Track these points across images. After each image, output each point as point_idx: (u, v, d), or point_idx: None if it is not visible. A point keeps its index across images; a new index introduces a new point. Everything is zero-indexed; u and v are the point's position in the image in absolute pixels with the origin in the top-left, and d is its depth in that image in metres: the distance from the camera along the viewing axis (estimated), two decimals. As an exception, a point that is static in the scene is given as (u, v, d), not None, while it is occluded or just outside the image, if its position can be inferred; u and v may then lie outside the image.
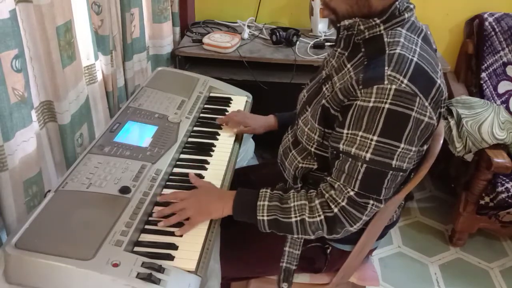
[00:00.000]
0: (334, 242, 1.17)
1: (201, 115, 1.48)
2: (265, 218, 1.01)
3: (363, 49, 0.99)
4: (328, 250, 1.18)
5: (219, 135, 1.39)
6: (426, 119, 0.91)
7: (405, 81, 0.88)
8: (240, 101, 1.59)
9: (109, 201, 1.01)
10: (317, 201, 0.98)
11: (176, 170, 1.21)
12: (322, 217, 0.97)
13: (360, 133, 0.92)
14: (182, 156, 1.27)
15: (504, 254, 2.03)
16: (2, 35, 0.95)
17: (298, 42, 2.03)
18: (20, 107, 1.03)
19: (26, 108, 1.04)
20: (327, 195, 0.98)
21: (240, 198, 1.05)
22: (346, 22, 0.99)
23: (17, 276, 0.88)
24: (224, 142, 1.36)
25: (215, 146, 1.33)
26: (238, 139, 1.41)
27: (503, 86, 2.12)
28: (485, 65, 2.13)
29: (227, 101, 1.58)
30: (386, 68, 0.90)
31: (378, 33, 0.97)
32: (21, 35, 1.06)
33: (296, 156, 1.13)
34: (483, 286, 1.86)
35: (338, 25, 1.02)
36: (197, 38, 2.02)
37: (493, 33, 2.11)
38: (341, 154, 0.96)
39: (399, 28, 0.97)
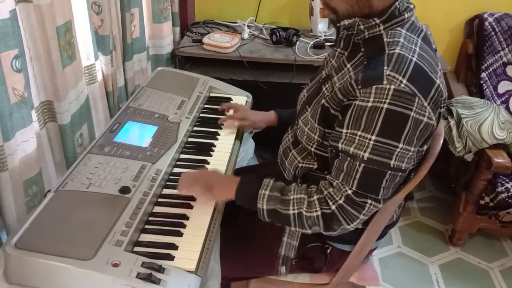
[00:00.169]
0: (334, 242, 1.17)
1: (201, 115, 1.48)
2: (265, 207, 1.02)
3: (362, 49, 0.99)
4: (328, 250, 1.18)
5: (219, 135, 1.39)
6: (425, 119, 0.91)
7: (404, 81, 0.88)
8: (240, 101, 1.59)
9: (109, 201, 1.01)
10: (315, 197, 0.99)
11: (176, 170, 1.21)
12: (319, 212, 0.98)
13: (359, 133, 0.92)
14: (182, 156, 1.27)
15: (504, 254, 2.03)
16: (2, 35, 0.95)
17: (298, 42, 2.03)
18: (20, 107, 1.03)
19: (26, 108, 1.05)
20: (325, 192, 0.98)
21: (244, 184, 1.06)
22: (346, 22, 0.99)
23: (17, 276, 0.88)
24: (224, 142, 1.36)
25: (215, 146, 1.33)
26: (239, 136, 1.42)
27: (503, 86, 2.12)
28: (485, 65, 2.13)
29: (227, 101, 1.58)
30: (385, 68, 0.90)
31: (377, 33, 0.97)
32: (21, 35, 1.06)
33: (296, 156, 1.13)
34: (483, 286, 1.86)
35: (338, 25, 1.02)
36: (197, 38, 2.02)
37: (493, 33, 2.11)
38: (340, 153, 0.97)
39: (398, 28, 0.97)
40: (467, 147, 1.81)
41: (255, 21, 2.24)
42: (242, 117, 1.43)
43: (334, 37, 1.99)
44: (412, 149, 0.93)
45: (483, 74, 2.13)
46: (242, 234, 1.26)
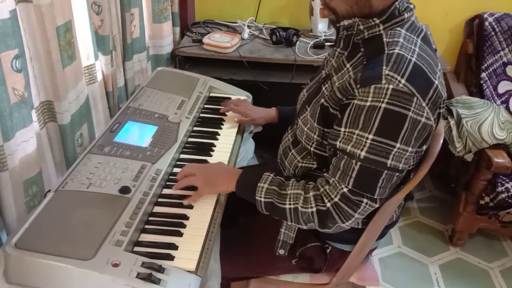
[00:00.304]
0: (334, 242, 1.17)
1: (201, 115, 1.48)
2: (262, 199, 1.04)
3: (362, 49, 0.99)
4: (328, 250, 1.18)
5: (219, 135, 1.39)
6: (423, 119, 0.91)
7: (403, 81, 0.88)
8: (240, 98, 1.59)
9: (109, 201, 1.01)
10: (311, 193, 1.00)
11: (176, 170, 1.21)
12: (314, 209, 0.98)
13: (357, 132, 0.93)
14: (182, 156, 1.27)
15: (504, 254, 2.03)
16: (3, 35, 0.95)
17: (298, 42, 2.03)
18: (20, 107, 1.03)
19: (26, 108, 1.04)
20: (322, 189, 0.99)
21: (244, 176, 1.10)
22: (346, 22, 0.99)
23: (17, 276, 0.88)
24: (224, 142, 1.36)
25: (215, 146, 1.33)
26: (239, 135, 1.42)
27: (503, 86, 2.12)
28: (485, 65, 2.13)
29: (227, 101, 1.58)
30: (384, 67, 0.90)
31: (377, 33, 0.97)
32: (21, 35, 1.06)
33: (295, 156, 1.14)
34: (483, 286, 1.86)
35: (338, 25, 1.02)
36: (197, 38, 2.02)
37: (493, 33, 2.11)
38: (338, 152, 0.97)
39: (398, 28, 0.97)
40: (467, 147, 1.81)
41: (255, 21, 2.24)
42: (243, 112, 1.43)
43: (334, 37, 1.99)
44: (410, 149, 0.93)
45: (483, 74, 2.13)
46: (242, 234, 1.26)
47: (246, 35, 2.08)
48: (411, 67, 0.90)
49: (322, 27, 2.14)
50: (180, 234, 1.00)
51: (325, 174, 1.01)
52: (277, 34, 2.00)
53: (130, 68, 1.68)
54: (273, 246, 1.16)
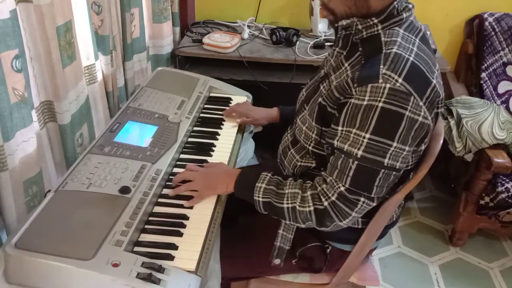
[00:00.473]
0: (334, 242, 1.17)
1: (201, 115, 1.48)
2: (261, 199, 1.05)
3: (360, 48, 0.99)
4: (328, 250, 1.18)
5: (219, 135, 1.39)
6: (420, 118, 0.91)
7: (400, 80, 0.88)
8: (240, 101, 1.59)
9: (109, 201, 1.01)
10: (309, 192, 1.00)
11: (176, 170, 1.21)
12: (312, 208, 0.99)
13: (354, 131, 0.93)
14: (182, 156, 1.27)
15: (504, 254, 2.03)
16: (3, 35, 0.95)
17: (298, 42, 2.03)
18: (20, 107, 1.03)
19: (26, 108, 1.05)
20: (319, 188, 0.99)
21: (242, 177, 1.10)
22: (344, 22, 0.99)
23: (17, 276, 0.88)
24: (224, 142, 1.36)
25: (215, 146, 1.33)
26: (239, 135, 1.42)
27: (503, 86, 2.12)
28: (485, 65, 2.13)
29: (227, 101, 1.58)
30: (381, 66, 0.90)
31: (375, 32, 0.98)
32: (21, 35, 1.06)
33: (294, 155, 1.14)
34: (483, 286, 1.86)
35: (336, 25, 1.02)
36: (197, 38, 2.02)
37: (493, 33, 2.11)
38: (335, 150, 0.98)
39: (396, 28, 0.97)
40: (467, 147, 1.81)
41: (255, 21, 2.24)
42: (244, 113, 1.43)
43: (334, 37, 1.99)
44: (407, 148, 0.93)
45: (483, 74, 2.13)
46: (242, 234, 1.26)
47: (246, 35, 2.08)
48: (408, 66, 0.90)
49: (322, 27, 2.14)
50: (180, 234, 1.00)
51: (322, 173, 1.01)
52: (277, 34, 2.00)
53: (130, 68, 1.68)
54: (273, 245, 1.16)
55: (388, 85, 0.88)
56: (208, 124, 1.44)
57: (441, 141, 1.07)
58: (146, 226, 1.01)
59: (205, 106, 1.53)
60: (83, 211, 0.97)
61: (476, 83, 2.16)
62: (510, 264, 1.98)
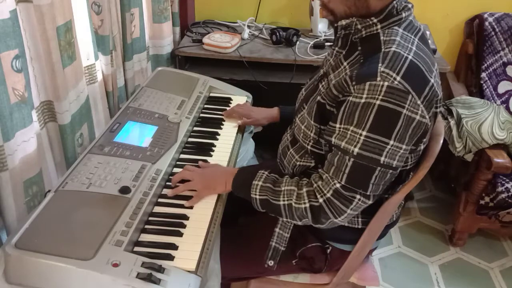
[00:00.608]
0: (334, 242, 1.17)
1: (201, 115, 1.48)
2: (257, 197, 1.06)
3: (359, 48, 1.00)
4: (328, 250, 1.18)
5: (219, 135, 1.39)
6: (417, 117, 0.91)
7: (398, 78, 0.89)
8: (240, 101, 1.59)
9: (109, 201, 1.01)
10: (305, 189, 1.01)
11: (176, 170, 1.21)
12: (308, 205, 0.99)
13: (351, 128, 0.93)
14: (182, 156, 1.27)
15: (504, 254, 2.03)
16: (3, 35, 0.95)
17: (298, 42, 2.03)
18: (20, 107, 1.03)
19: (26, 108, 1.05)
20: (315, 185, 1.00)
21: (240, 175, 1.11)
22: (344, 22, 1.00)
23: (17, 276, 0.88)
24: (224, 142, 1.36)
25: (215, 146, 1.33)
26: (241, 131, 1.42)
27: (503, 86, 2.12)
28: (485, 65, 2.13)
29: (227, 101, 1.58)
30: (380, 65, 0.91)
31: (374, 31, 0.98)
32: (21, 35, 1.06)
33: (294, 155, 1.14)
34: (483, 286, 1.86)
35: (336, 25, 1.02)
36: (197, 38, 2.02)
37: (493, 33, 2.11)
38: (333, 148, 0.98)
39: (396, 27, 0.97)
40: (467, 147, 1.81)
41: (255, 21, 2.24)
42: (245, 114, 1.44)
43: (333, 37, 1.99)
44: (404, 147, 0.93)
45: (483, 74, 2.13)
46: (242, 234, 1.26)
47: (246, 35, 2.08)
48: (407, 65, 0.90)
49: (322, 27, 2.14)
50: (180, 234, 1.00)
51: (319, 170, 1.02)
52: (277, 34, 2.00)
53: (130, 68, 1.68)
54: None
55: (386, 83, 0.89)
56: (208, 124, 1.44)
57: (441, 141, 1.07)
58: (146, 226, 1.01)
59: (205, 106, 1.54)
60: (83, 211, 0.97)
61: (476, 83, 2.16)
62: (510, 264, 1.98)
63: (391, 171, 0.95)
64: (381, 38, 0.96)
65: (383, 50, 0.94)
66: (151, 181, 1.10)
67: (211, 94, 1.62)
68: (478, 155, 1.82)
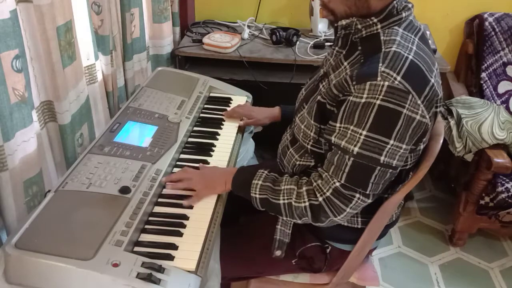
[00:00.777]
0: (334, 242, 1.17)
1: (201, 115, 1.48)
2: (257, 196, 1.06)
3: (360, 47, 1.00)
4: (328, 250, 1.18)
5: (219, 135, 1.39)
6: (418, 117, 0.91)
7: (398, 78, 0.89)
8: (240, 101, 1.59)
9: (109, 201, 1.01)
10: (304, 188, 1.01)
11: (176, 170, 1.21)
12: (307, 203, 1.00)
13: (351, 127, 0.93)
14: (182, 156, 1.27)
15: (504, 254, 2.03)
16: (3, 35, 0.95)
17: (298, 42, 2.03)
18: (20, 107, 1.03)
19: (26, 108, 1.05)
20: (314, 184, 1.00)
21: (240, 175, 1.11)
22: (344, 22, 1.00)
23: (17, 276, 0.88)
24: (224, 142, 1.36)
25: (215, 146, 1.33)
26: (241, 131, 1.43)
27: (503, 86, 2.12)
28: (485, 65, 2.13)
29: (227, 101, 1.58)
30: (380, 65, 0.91)
31: (375, 31, 0.98)
32: (21, 35, 1.06)
33: (293, 154, 1.14)
34: (483, 286, 1.86)
35: (336, 25, 1.03)
36: (197, 38, 2.02)
37: (493, 33, 2.11)
38: (332, 147, 0.98)
39: (396, 27, 0.98)
40: (467, 147, 1.81)
41: (255, 21, 2.24)
42: (246, 114, 1.44)
43: (333, 37, 1.99)
44: (404, 146, 0.93)
45: (483, 74, 2.13)
46: (242, 234, 1.26)
47: (246, 35, 2.08)
48: (407, 65, 0.90)
49: (322, 27, 2.14)
50: (180, 234, 1.00)
51: (319, 169, 1.02)
52: (277, 34, 2.00)
53: (130, 68, 1.68)
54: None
55: (386, 83, 0.89)
56: (208, 124, 1.44)
57: (441, 141, 1.07)
58: (146, 226, 1.01)
59: (205, 106, 1.54)
60: (83, 211, 0.97)
61: (476, 83, 2.16)
62: (510, 264, 1.98)
63: (391, 170, 0.95)
64: (381, 38, 0.96)
65: (383, 50, 0.94)
66: (151, 181, 1.10)
67: (211, 94, 1.62)
68: (478, 155, 1.82)
